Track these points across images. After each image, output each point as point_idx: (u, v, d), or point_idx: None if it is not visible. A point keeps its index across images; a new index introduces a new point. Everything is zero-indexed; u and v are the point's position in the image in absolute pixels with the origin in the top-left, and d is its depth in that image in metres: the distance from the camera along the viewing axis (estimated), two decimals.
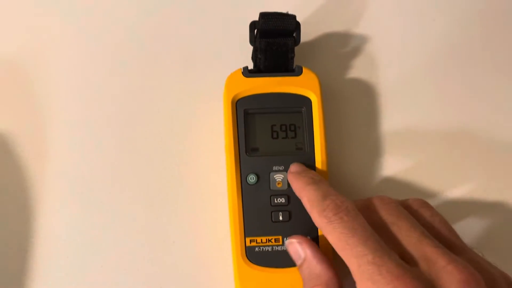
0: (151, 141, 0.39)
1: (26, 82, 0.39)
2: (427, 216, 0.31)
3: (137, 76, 0.40)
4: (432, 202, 0.34)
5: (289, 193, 0.35)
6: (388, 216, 0.30)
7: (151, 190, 0.38)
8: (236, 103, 0.36)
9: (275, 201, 0.35)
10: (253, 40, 0.37)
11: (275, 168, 0.35)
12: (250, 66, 0.38)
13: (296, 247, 0.33)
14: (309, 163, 0.35)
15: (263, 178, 0.35)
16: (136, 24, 0.41)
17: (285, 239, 0.34)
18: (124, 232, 0.37)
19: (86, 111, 0.39)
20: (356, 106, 0.41)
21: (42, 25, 0.40)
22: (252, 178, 0.35)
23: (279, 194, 0.35)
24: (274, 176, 0.35)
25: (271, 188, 0.35)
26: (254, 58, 0.38)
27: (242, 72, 0.37)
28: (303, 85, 0.37)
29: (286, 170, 0.35)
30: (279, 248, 0.34)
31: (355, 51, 0.42)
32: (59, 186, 0.37)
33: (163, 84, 0.40)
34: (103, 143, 0.38)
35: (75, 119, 0.38)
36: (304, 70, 0.37)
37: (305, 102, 0.37)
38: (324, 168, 0.35)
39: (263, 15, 0.36)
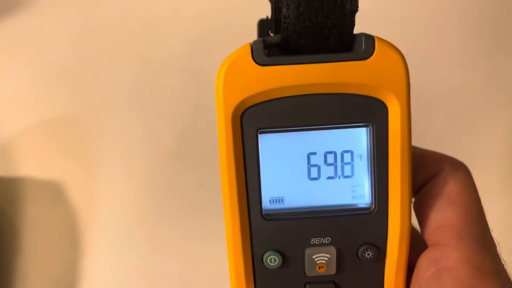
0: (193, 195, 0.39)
1: (81, 139, 0.40)
2: None
3: (180, 140, 0.39)
4: None
5: (338, 281, 0.20)
6: None
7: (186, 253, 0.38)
8: (241, 117, 0.19)
9: None
10: None
11: (314, 240, 0.20)
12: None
13: None
14: (376, 232, 0.19)
15: (293, 257, 0.20)
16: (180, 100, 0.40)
17: None
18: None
19: (132, 165, 0.39)
20: None
21: (99, 89, 0.40)
22: (273, 260, 0.20)
23: (320, 282, 0.20)
24: (313, 256, 0.20)
25: (307, 273, 0.20)
26: (274, 20, 0.19)
27: (253, 55, 0.18)
28: (374, 77, 0.18)
29: (334, 243, 0.20)
30: None
31: None
32: (105, 232, 0.39)
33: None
34: (146, 196, 0.39)
35: (122, 172, 0.39)
36: (377, 44, 0.18)
37: (376, 111, 0.19)
38: (403, 250, 0.19)
39: None
